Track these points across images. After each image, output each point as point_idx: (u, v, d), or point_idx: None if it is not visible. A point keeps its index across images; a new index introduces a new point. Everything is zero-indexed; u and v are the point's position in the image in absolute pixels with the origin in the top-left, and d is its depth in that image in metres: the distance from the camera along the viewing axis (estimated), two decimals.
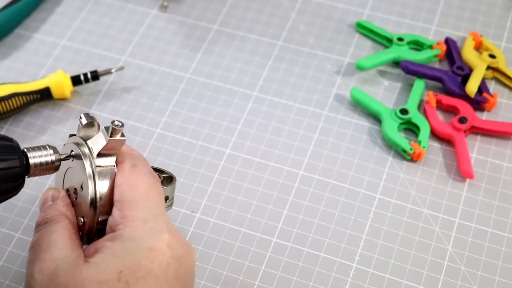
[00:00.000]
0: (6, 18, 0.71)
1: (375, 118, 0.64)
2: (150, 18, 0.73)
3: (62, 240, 0.46)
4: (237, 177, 0.61)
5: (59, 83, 0.65)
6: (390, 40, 0.69)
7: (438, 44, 0.68)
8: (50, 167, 0.48)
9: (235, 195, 0.60)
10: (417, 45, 0.69)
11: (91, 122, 0.49)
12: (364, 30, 0.71)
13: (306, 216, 0.58)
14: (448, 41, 0.69)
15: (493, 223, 0.58)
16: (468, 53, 0.67)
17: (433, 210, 0.59)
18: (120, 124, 0.47)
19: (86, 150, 0.48)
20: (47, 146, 0.48)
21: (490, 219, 0.58)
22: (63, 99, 0.67)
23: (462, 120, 0.62)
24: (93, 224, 0.48)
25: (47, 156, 0.48)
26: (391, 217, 0.58)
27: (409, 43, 0.69)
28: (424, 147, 0.61)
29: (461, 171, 0.60)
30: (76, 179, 0.49)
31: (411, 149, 0.61)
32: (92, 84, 0.68)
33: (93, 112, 0.66)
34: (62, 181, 0.52)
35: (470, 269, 0.55)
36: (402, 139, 0.61)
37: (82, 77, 0.66)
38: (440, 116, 0.64)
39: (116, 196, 0.47)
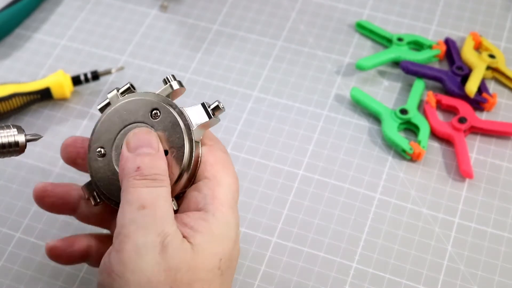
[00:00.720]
0: (6, 18, 0.71)
1: (375, 118, 0.65)
2: (150, 18, 0.73)
3: (172, 214, 0.43)
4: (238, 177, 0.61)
5: (59, 83, 0.65)
6: (390, 40, 0.69)
7: (437, 44, 0.69)
8: (14, 149, 0.44)
9: None
10: (417, 45, 0.69)
11: (181, 89, 0.48)
12: (364, 30, 0.71)
13: (306, 216, 0.59)
14: (447, 41, 0.69)
15: (493, 223, 0.58)
16: (468, 53, 0.67)
17: (433, 210, 0.59)
18: (223, 106, 0.47)
19: (182, 116, 0.46)
20: (10, 125, 0.44)
21: (490, 219, 0.58)
22: (63, 99, 0.67)
23: (462, 120, 0.62)
24: (172, 193, 0.46)
25: (10, 137, 0.44)
26: (391, 217, 0.58)
27: (409, 43, 0.69)
28: (423, 147, 0.61)
29: (460, 171, 0.60)
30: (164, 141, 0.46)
31: (411, 149, 0.61)
32: (92, 84, 0.68)
33: (93, 112, 0.66)
34: (113, 139, 0.48)
35: (470, 269, 0.55)
36: (402, 139, 0.61)
37: (82, 77, 0.66)
38: (439, 116, 0.65)
39: (208, 173, 0.46)
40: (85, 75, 0.66)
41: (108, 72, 0.67)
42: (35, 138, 0.46)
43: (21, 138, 0.44)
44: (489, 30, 0.71)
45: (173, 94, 0.48)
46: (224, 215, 0.45)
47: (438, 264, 0.56)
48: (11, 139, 0.44)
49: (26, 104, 0.65)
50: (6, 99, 0.63)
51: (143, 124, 0.47)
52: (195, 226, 0.44)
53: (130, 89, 0.49)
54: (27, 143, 0.45)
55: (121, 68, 0.67)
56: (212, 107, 0.47)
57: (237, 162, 0.62)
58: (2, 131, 0.44)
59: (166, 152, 0.46)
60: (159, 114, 0.46)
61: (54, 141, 0.64)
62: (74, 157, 0.51)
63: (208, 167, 0.46)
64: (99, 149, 0.48)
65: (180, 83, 0.48)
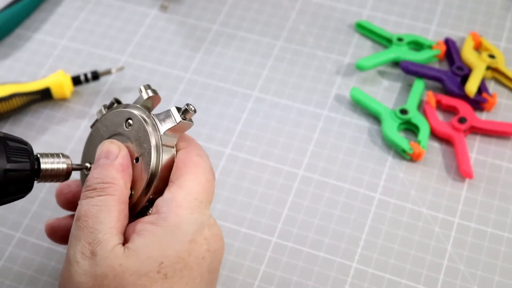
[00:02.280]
0: (6, 18, 0.71)
1: (375, 118, 0.65)
2: (150, 18, 0.73)
3: (110, 222, 0.44)
4: (237, 177, 0.61)
5: (59, 83, 0.65)
6: (390, 40, 0.69)
7: (437, 44, 0.69)
8: (61, 174, 0.47)
9: (235, 195, 0.60)
10: (417, 45, 0.69)
11: (153, 96, 0.48)
12: (364, 30, 0.71)
13: (306, 216, 0.59)
14: (447, 41, 0.69)
15: (493, 223, 0.58)
16: (468, 53, 0.67)
17: (433, 210, 0.59)
18: (194, 108, 0.46)
19: (151, 122, 0.47)
20: (60, 154, 0.48)
21: (490, 219, 0.58)
22: (63, 99, 0.67)
23: (462, 120, 0.62)
24: (142, 200, 0.47)
25: (59, 164, 0.47)
26: (391, 217, 0.58)
27: (408, 43, 0.69)
28: (423, 147, 0.61)
29: (460, 171, 0.60)
30: (131, 149, 0.47)
31: (410, 149, 0.61)
32: (92, 84, 0.68)
33: (93, 112, 0.66)
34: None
35: (470, 269, 0.55)
36: (401, 139, 0.61)
37: (82, 77, 0.66)
38: (439, 116, 0.65)
39: (173, 177, 0.46)
40: (85, 75, 0.66)
41: (108, 72, 0.67)
42: (80, 168, 0.49)
43: (68, 166, 0.48)
44: (489, 30, 0.71)
45: (152, 102, 0.49)
46: (177, 217, 0.44)
47: (438, 264, 0.56)
48: (60, 166, 0.47)
49: (26, 104, 0.65)
50: (6, 99, 0.63)
51: (119, 136, 0.48)
52: (141, 231, 0.44)
53: (114, 104, 0.50)
54: (72, 171, 0.49)
55: (121, 68, 0.67)
56: (182, 110, 0.47)
57: (237, 162, 0.62)
58: (53, 159, 0.47)
59: (137, 160, 0.47)
60: (132, 123, 0.47)
61: (54, 141, 0.64)
62: (67, 203, 0.53)
63: (176, 170, 0.47)
64: (87, 164, 0.50)
65: (154, 91, 0.48)
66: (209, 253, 0.45)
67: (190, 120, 0.47)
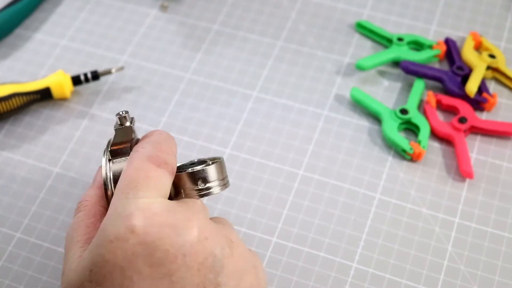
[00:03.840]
0: (6, 18, 0.71)
1: (375, 118, 0.65)
2: (150, 18, 0.73)
3: (78, 237, 0.46)
4: (237, 177, 0.61)
5: (59, 83, 0.65)
6: (390, 40, 0.69)
7: (438, 44, 0.69)
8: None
9: (235, 195, 0.60)
10: (417, 45, 0.69)
11: (125, 125, 0.48)
12: (364, 30, 0.71)
13: (306, 216, 0.59)
14: (447, 41, 0.69)
15: (493, 223, 0.58)
16: (468, 53, 0.67)
17: (433, 210, 0.59)
18: (123, 112, 0.47)
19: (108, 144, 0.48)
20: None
21: (490, 219, 0.58)
22: (63, 99, 0.67)
23: (462, 120, 0.62)
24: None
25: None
26: (391, 217, 0.58)
27: (409, 43, 0.69)
28: (424, 147, 0.61)
29: (461, 171, 0.60)
30: None
31: (411, 149, 0.61)
32: (92, 84, 0.68)
33: (93, 112, 0.66)
34: None
35: (470, 269, 0.55)
36: (402, 139, 0.61)
37: (82, 77, 0.66)
38: (440, 116, 0.65)
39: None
40: (85, 75, 0.66)
41: (108, 72, 0.67)
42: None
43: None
44: (489, 30, 0.71)
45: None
46: (105, 219, 0.43)
47: (438, 264, 0.56)
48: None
49: (26, 104, 0.65)
50: (6, 99, 0.63)
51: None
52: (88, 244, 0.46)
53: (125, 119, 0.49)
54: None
55: (121, 68, 0.67)
56: (116, 120, 0.48)
57: (237, 162, 0.62)
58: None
59: None
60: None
61: (54, 141, 0.64)
62: None
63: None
64: None
65: (123, 120, 0.48)
66: (143, 246, 0.40)
67: (132, 122, 0.47)
